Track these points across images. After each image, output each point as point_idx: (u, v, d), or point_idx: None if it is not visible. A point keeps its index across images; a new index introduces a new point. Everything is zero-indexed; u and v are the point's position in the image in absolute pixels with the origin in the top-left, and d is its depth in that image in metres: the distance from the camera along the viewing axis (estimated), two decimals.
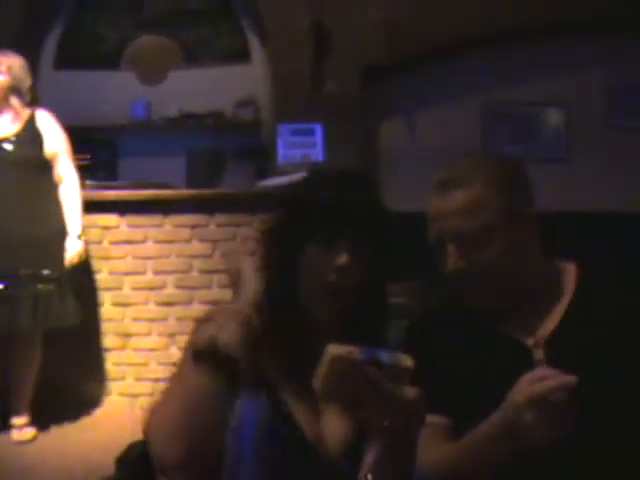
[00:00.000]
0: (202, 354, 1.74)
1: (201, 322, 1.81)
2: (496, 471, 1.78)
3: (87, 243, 5.08)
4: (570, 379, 1.62)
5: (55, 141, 4.87)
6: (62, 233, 4.83)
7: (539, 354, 1.91)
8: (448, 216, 1.93)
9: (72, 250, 4.83)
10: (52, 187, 4.87)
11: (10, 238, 4.69)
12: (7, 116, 4.84)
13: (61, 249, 4.81)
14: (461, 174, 1.96)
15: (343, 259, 1.71)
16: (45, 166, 4.85)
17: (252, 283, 1.86)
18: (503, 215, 1.92)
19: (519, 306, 1.97)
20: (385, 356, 1.43)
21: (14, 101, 4.85)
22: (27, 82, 4.93)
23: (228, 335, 1.79)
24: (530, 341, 1.94)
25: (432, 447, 1.82)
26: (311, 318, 1.79)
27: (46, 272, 4.74)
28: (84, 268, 5.06)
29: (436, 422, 1.89)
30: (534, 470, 1.78)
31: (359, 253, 1.72)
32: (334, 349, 1.41)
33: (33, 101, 4.97)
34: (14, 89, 4.86)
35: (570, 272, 2.03)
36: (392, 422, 1.46)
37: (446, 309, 2.12)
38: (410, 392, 1.45)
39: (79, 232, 4.86)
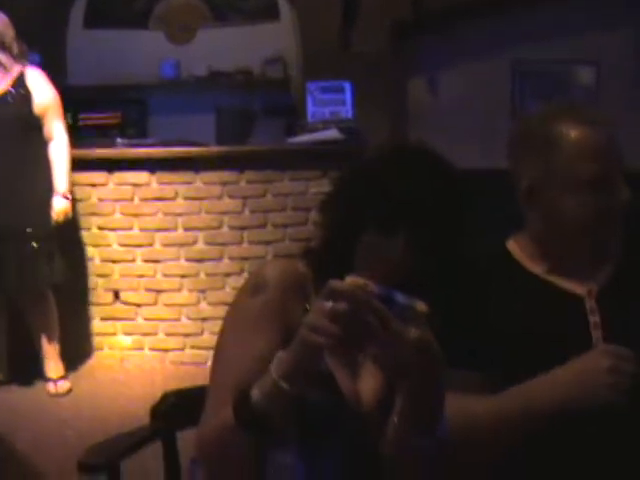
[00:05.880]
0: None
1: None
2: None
3: (76, 201, 5.22)
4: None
5: (45, 99, 4.85)
6: (50, 192, 4.85)
7: (592, 304, 1.91)
8: (613, 151, 1.90)
9: (58, 209, 4.84)
10: (41, 146, 4.87)
11: None
12: None
13: (48, 208, 4.84)
14: (603, 114, 1.94)
15: (398, 253, 1.68)
16: (35, 124, 4.84)
17: None
18: None
19: (577, 257, 1.97)
20: (400, 297, 1.43)
21: (0, 56, 4.84)
22: (9, 34, 4.84)
23: (272, 268, 1.83)
24: (583, 291, 1.93)
25: (471, 400, 1.83)
26: None
27: (32, 230, 4.79)
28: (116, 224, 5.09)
29: (475, 376, 1.89)
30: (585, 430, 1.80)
31: (418, 249, 1.69)
32: (352, 279, 1.42)
33: (21, 55, 4.92)
34: None
35: None
36: (398, 361, 1.47)
37: (495, 260, 2.08)
38: (414, 332, 1.43)
39: (65, 191, 4.87)
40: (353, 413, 1.73)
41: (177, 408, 2.08)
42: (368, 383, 1.78)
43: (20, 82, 4.83)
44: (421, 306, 1.45)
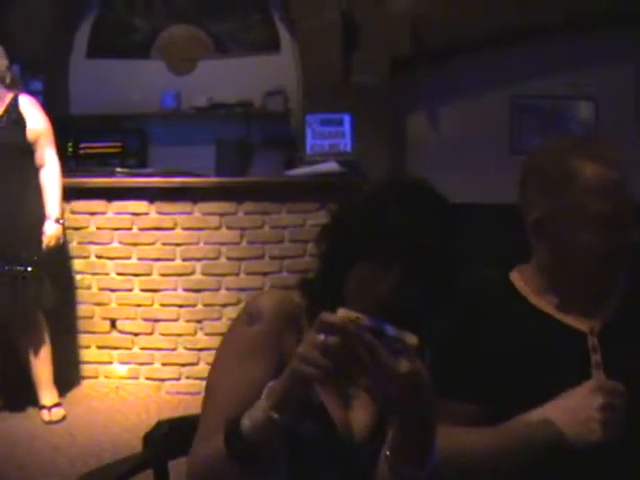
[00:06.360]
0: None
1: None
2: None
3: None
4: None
5: (37, 126, 4.89)
6: (41, 217, 4.86)
7: (594, 341, 1.90)
8: (625, 189, 1.88)
9: (50, 233, 4.85)
10: (33, 171, 4.89)
11: None
12: None
13: (39, 233, 4.85)
14: (618, 154, 1.92)
15: (390, 286, 1.68)
16: (27, 150, 4.87)
17: None
18: None
19: (583, 291, 1.96)
20: (391, 329, 1.44)
21: None
22: (3, 64, 4.91)
23: (268, 299, 1.83)
24: (586, 328, 1.92)
25: (464, 432, 1.84)
26: None
27: (24, 255, 4.80)
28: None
29: (470, 409, 1.90)
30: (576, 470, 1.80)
31: (412, 284, 1.68)
32: (343, 311, 1.44)
33: (12, 84, 4.97)
34: None
35: None
36: (389, 393, 1.48)
37: (496, 291, 2.07)
38: (404, 365, 1.44)
39: (57, 215, 4.88)
40: (345, 444, 1.74)
41: (170, 437, 2.07)
42: (360, 414, 1.79)
43: (13, 109, 4.86)
44: (412, 339, 1.45)
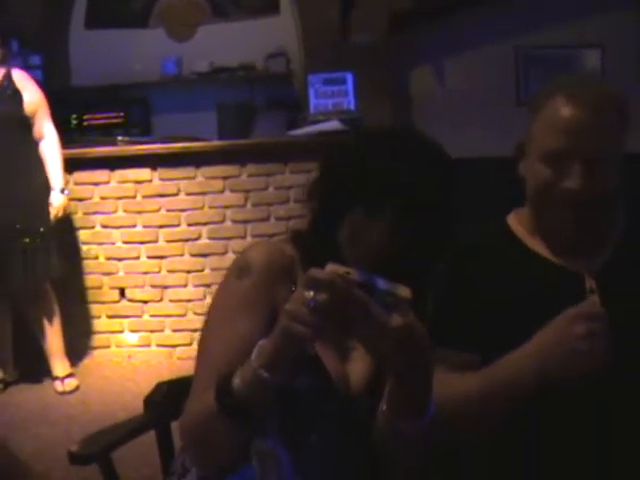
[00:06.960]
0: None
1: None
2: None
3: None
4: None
5: (33, 99, 4.91)
6: (45, 188, 4.89)
7: (592, 283, 1.88)
8: (588, 133, 1.82)
9: (57, 204, 4.89)
10: (33, 144, 4.92)
11: None
12: None
13: (45, 204, 4.88)
14: (601, 95, 1.87)
15: (383, 233, 1.67)
16: (25, 123, 4.89)
17: None
18: (622, 145, 1.88)
19: (566, 233, 1.92)
20: (382, 283, 1.42)
21: None
22: None
23: (257, 252, 1.80)
24: (583, 270, 1.90)
25: (458, 377, 1.82)
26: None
27: (32, 227, 4.82)
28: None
29: (470, 358, 1.87)
30: (566, 408, 1.78)
31: (404, 232, 1.67)
32: (332, 267, 1.42)
33: (4, 59, 4.97)
34: None
35: (616, 203, 1.97)
36: (382, 348, 1.45)
37: (494, 237, 2.05)
38: (396, 319, 1.41)
39: (62, 186, 4.92)
40: (341, 395, 1.73)
41: (170, 398, 2.07)
42: (357, 366, 1.77)
43: (7, 83, 4.87)
44: (404, 291, 1.43)
